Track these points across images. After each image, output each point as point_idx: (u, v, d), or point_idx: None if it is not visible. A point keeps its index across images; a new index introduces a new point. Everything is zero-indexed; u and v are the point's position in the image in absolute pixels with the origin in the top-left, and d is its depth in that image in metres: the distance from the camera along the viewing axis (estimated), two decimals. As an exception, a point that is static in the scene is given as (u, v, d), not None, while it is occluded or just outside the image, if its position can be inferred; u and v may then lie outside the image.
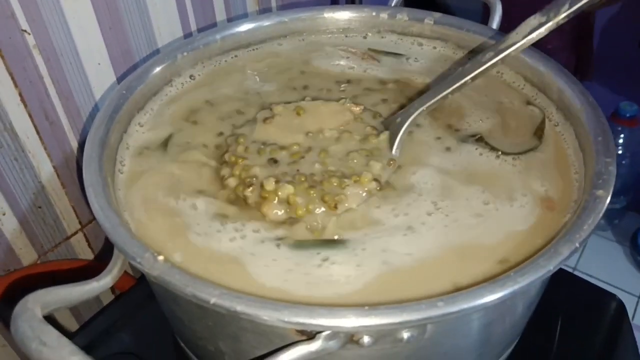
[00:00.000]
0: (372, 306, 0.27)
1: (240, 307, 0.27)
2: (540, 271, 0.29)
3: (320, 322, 0.27)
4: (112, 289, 0.62)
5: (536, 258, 0.29)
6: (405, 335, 0.29)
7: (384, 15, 0.51)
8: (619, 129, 1.15)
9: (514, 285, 0.28)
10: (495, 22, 0.48)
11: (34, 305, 0.26)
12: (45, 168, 0.51)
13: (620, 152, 1.17)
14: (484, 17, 0.52)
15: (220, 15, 0.63)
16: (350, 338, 0.29)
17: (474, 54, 0.47)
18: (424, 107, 0.39)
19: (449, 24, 0.49)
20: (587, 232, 0.31)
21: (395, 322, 0.27)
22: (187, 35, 0.60)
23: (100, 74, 0.53)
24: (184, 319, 0.35)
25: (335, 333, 0.28)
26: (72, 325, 0.59)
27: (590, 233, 0.31)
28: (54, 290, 0.28)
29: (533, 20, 0.36)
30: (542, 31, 0.35)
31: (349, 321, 0.27)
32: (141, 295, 0.53)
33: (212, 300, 0.27)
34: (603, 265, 1.22)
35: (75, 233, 0.57)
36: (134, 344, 0.51)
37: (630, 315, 1.13)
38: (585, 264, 1.23)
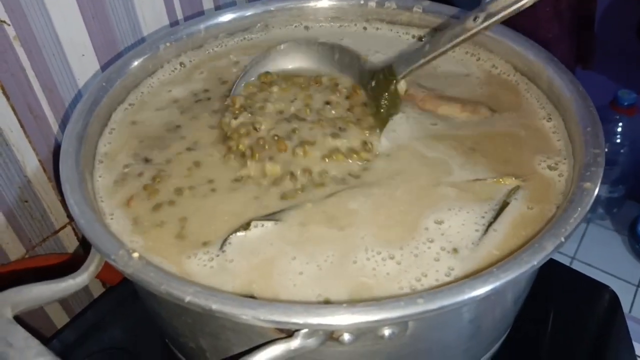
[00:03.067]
0: (350, 304, 0.27)
1: (215, 306, 0.26)
2: (523, 267, 0.28)
3: (295, 320, 0.26)
4: (103, 282, 0.61)
5: (520, 253, 0.29)
6: (387, 332, 0.29)
7: (372, 4, 0.50)
8: (618, 117, 1.14)
9: (496, 281, 0.27)
10: (485, 10, 0.47)
11: (3, 306, 0.25)
12: (30, 162, 0.51)
13: (618, 140, 1.16)
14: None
15: (208, 3, 0.62)
16: (330, 335, 0.28)
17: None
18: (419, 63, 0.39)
19: (438, 12, 0.47)
20: (573, 226, 0.30)
21: (372, 320, 0.26)
22: (174, 23, 0.59)
23: (84, 65, 0.51)
24: (165, 316, 0.35)
25: (313, 331, 0.27)
26: (63, 319, 0.59)
27: (576, 227, 0.30)
28: (26, 289, 0.28)
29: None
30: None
31: (325, 319, 0.26)
32: (131, 289, 0.53)
33: (187, 299, 0.27)
34: (602, 254, 1.22)
35: (64, 227, 0.56)
36: (123, 339, 0.50)
37: (628, 303, 1.14)
38: (584, 252, 1.23)
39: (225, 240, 0.33)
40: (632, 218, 1.23)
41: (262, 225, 0.34)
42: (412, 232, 0.33)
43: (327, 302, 0.30)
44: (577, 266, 1.20)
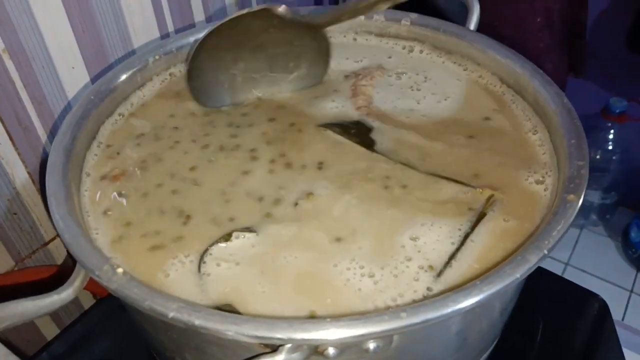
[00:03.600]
0: (334, 318, 0.27)
1: (198, 321, 0.26)
2: (506, 279, 0.28)
3: (279, 336, 0.26)
4: (93, 294, 0.61)
5: (503, 266, 0.29)
6: (371, 345, 0.29)
7: (360, 16, 0.50)
8: (609, 124, 1.15)
9: (479, 294, 0.27)
10: (472, 23, 0.47)
11: (-13, 322, 0.25)
12: (19, 174, 0.51)
13: (610, 147, 1.16)
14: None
15: (199, 15, 0.62)
16: (315, 350, 0.28)
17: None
18: None
19: (425, 25, 0.48)
20: (556, 239, 0.30)
21: (356, 334, 0.26)
22: (164, 35, 0.59)
23: (74, 77, 0.52)
24: (150, 330, 0.35)
25: (298, 345, 0.27)
26: (53, 331, 0.59)
27: (559, 239, 0.30)
28: (11, 305, 0.28)
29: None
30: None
31: (309, 334, 0.26)
32: (120, 301, 0.53)
33: (170, 315, 0.27)
34: (595, 260, 1.22)
35: (54, 239, 0.56)
36: (112, 351, 0.50)
37: (622, 309, 1.14)
38: (577, 259, 1.23)
39: (206, 250, 0.34)
40: (624, 224, 1.23)
41: (244, 237, 0.34)
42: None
43: (312, 316, 0.30)
44: (570, 272, 1.21)
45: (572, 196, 0.32)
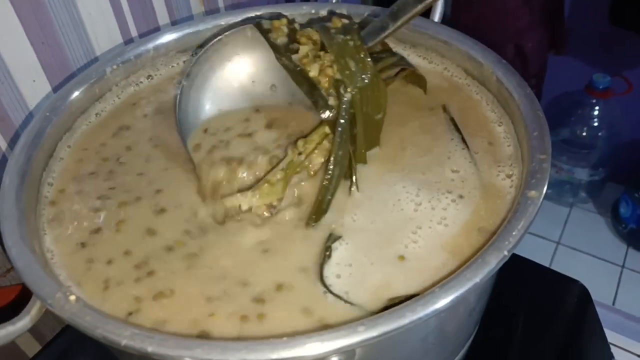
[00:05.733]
0: (290, 336, 0.26)
1: (151, 348, 0.26)
2: (466, 284, 0.28)
3: (232, 358, 0.25)
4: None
5: (462, 270, 0.28)
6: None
7: (323, 12, 0.49)
8: (594, 101, 1.14)
9: (437, 302, 0.27)
10: (437, 15, 0.46)
11: None
12: (-15, 192, 0.50)
13: (596, 124, 1.16)
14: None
15: (163, 19, 0.61)
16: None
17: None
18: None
19: (423, 27, 0.46)
20: (517, 238, 0.29)
21: (312, 354, 0.26)
22: (128, 41, 0.58)
23: (36, 91, 0.50)
24: (118, 355, 0.34)
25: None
26: (34, 347, 0.58)
27: (520, 238, 0.29)
28: (-39, 340, 0.27)
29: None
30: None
31: (263, 355, 0.25)
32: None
33: (123, 342, 0.26)
34: (586, 237, 1.23)
35: (28, 255, 0.56)
36: (95, 365, 0.50)
37: (614, 285, 1.14)
38: (568, 237, 1.23)
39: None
40: (614, 200, 1.23)
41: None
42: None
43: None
44: (561, 251, 1.21)
45: (533, 192, 0.31)
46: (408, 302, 0.27)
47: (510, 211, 0.32)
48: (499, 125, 0.40)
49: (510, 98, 0.38)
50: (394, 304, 0.28)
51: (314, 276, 0.32)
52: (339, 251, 0.34)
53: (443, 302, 0.27)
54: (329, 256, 0.33)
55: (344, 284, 0.32)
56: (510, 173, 0.37)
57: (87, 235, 0.35)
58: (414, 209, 0.35)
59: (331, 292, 0.31)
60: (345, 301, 0.31)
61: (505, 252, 0.29)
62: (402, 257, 0.33)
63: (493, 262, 0.28)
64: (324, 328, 0.28)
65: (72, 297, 0.28)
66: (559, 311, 0.51)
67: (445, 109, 0.42)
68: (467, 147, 0.39)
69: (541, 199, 0.31)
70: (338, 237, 0.34)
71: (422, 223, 0.35)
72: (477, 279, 0.28)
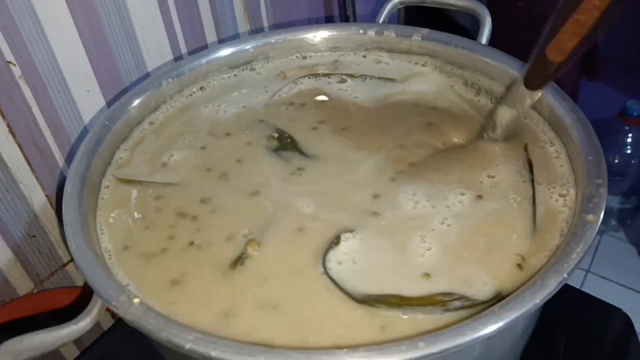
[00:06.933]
0: (351, 348, 0.26)
1: (215, 353, 0.26)
2: (526, 305, 0.28)
3: (295, 368, 0.26)
4: (112, 313, 0.61)
5: (522, 291, 0.28)
6: (389, 374, 0.28)
7: (371, 33, 0.50)
8: (627, 128, 1.13)
9: (498, 322, 0.27)
10: (484, 37, 0.47)
11: (6, 356, 0.25)
12: (37, 197, 0.51)
13: (629, 151, 1.14)
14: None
15: (211, 36, 0.63)
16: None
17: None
18: None
19: (436, 40, 0.47)
20: (575, 261, 0.29)
21: (374, 365, 0.26)
22: (178, 58, 0.59)
23: (89, 101, 0.52)
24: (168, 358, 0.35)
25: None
26: (72, 352, 0.59)
27: (579, 261, 0.30)
28: (28, 338, 0.28)
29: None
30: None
31: (325, 366, 0.26)
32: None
33: (187, 346, 0.27)
34: (616, 266, 1.20)
35: (72, 260, 0.57)
36: (133, 371, 0.50)
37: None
38: (598, 265, 1.21)
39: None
40: (645, 230, 1.21)
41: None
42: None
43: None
44: (591, 279, 1.19)
45: (591, 216, 0.32)
46: (469, 320, 0.27)
47: (568, 234, 0.32)
48: (551, 145, 0.40)
49: (563, 123, 0.39)
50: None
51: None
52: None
53: (503, 321, 0.27)
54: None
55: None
56: (565, 193, 0.37)
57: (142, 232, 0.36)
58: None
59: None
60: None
61: (565, 275, 0.29)
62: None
63: (552, 284, 0.29)
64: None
65: (136, 300, 0.29)
66: (601, 339, 0.50)
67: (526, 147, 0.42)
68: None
69: (599, 223, 0.31)
70: None
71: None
72: (537, 300, 0.28)
